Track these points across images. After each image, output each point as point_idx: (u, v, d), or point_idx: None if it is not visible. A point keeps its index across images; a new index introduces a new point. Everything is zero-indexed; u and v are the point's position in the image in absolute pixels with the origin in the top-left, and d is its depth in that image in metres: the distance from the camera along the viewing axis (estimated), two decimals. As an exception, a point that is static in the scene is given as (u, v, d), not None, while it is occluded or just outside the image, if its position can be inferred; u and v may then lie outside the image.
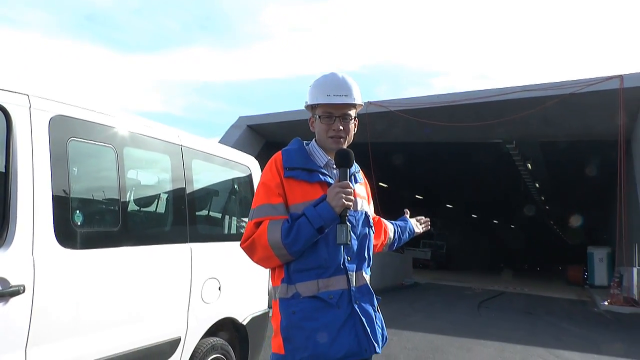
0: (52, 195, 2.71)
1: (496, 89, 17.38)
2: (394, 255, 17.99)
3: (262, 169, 2.55)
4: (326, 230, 2.22)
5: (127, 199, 3.43)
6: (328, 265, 2.27)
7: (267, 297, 4.83)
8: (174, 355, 3.54)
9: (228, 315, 4.20)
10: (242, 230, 4.73)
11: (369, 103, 17.22)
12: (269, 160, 2.40)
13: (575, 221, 32.33)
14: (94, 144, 3.13)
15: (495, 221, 57.30)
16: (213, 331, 4.03)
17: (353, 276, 2.31)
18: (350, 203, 2.21)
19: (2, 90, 2.59)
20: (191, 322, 3.72)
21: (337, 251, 2.28)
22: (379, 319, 2.41)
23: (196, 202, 4.03)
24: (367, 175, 2.73)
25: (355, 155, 2.35)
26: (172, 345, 3.53)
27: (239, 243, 4.50)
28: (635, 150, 17.31)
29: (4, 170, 2.56)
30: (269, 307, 4.85)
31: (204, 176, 4.32)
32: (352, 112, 2.42)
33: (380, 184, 25.76)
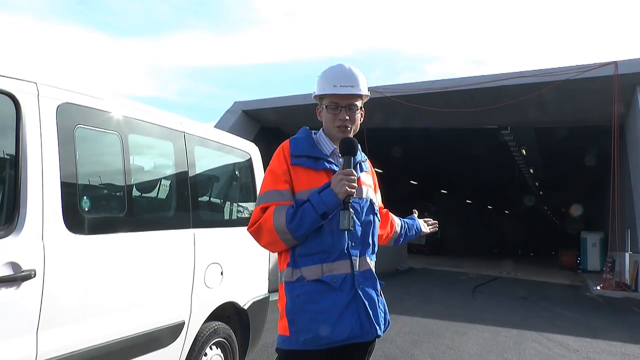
0: (61, 182, 2.75)
1: (491, 75, 17.44)
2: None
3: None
4: (330, 216, 2.28)
5: (133, 186, 3.47)
6: (332, 250, 2.33)
7: (267, 282, 4.91)
8: (178, 339, 3.61)
9: (230, 299, 4.27)
10: (242, 216, 4.80)
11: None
12: (277, 148, 2.46)
13: (573, 210, 32.46)
14: (100, 131, 3.17)
15: (489, 207, 57.52)
16: (215, 315, 4.09)
17: (357, 261, 2.38)
18: (354, 190, 2.26)
19: (11, 78, 2.62)
20: (194, 307, 3.78)
21: (341, 237, 2.34)
22: (381, 303, 2.48)
23: (198, 188, 4.08)
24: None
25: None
26: (176, 329, 3.60)
27: (239, 228, 4.60)
28: (628, 136, 17.42)
29: (14, 157, 2.60)
30: (269, 291, 4.94)
31: (205, 162, 4.38)
32: (359, 103, 2.49)
33: (375, 169, 25.69)
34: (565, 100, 16.98)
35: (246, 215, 4.85)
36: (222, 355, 4.22)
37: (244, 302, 4.47)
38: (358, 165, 2.47)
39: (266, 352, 6.15)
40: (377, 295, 2.45)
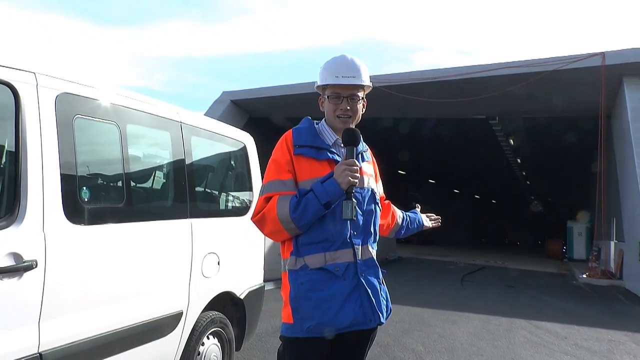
0: (60, 172, 2.75)
1: (480, 65, 17.47)
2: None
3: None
4: (333, 206, 2.31)
5: (131, 176, 3.47)
6: (334, 239, 2.37)
7: (263, 271, 4.95)
8: (176, 329, 3.62)
9: (226, 289, 4.29)
10: (238, 205, 4.82)
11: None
12: (280, 138, 2.49)
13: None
14: (98, 121, 3.17)
15: (477, 197, 57.85)
16: (212, 305, 4.11)
17: (359, 250, 2.41)
18: (356, 180, 2.29)
19: (10, 68, 2.61)
20: (192, 296, 3.80)
21: (343, 226, 2.37)
22: (383, 291, 2.52)
23: (195, 178, 4.08)
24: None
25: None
26: (175, 318, 3.61)
27: (235, 218, 4.62)
28: (615, 127, 17.59)
29: (13, 148, 2.59)
30: (265, 281, 4.98)
31: (202, 152, 4.38)
32: (360, 93, 2.51)
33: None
34: (553, 90, 17.07)
35: (241, 205, 4.87)
36: (218, 344, 4.24)
37: (240, 291, 4.50)
38: (360, 155, 2.50)
39: (260, 341, 6.20)
40: (379, 283, 2.49)
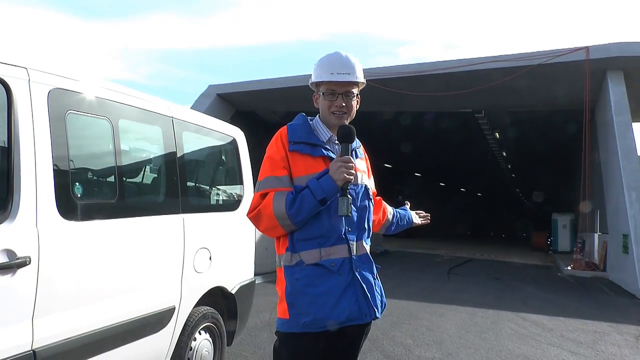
0: (53, 168, 2.73)
1: (466, 59, 17.55)
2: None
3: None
4: (328, 202, 2.33)
5: (123, 171, 3.45)
6: (330, 235, 2.38)
7: (254, 266, 4.96)
8: (169, 324, 3.62)
9: (218, 284, 4.29)
10: (229, 200, 4.82)
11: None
12: (275, 135, 2.49)
13: (540, 193, 32.88)
14: (91, 116, 3.14)
15: (462, 190, 58.17)
16: (204, 300, 4.12)
17: (354, 245, 2.44)
18: (351, 177, 2.32)
19: (1, 63, 2.58)
20: (184, 292, 3.80)
21: (338, 222, 2.40)
22: (378, 286, 2.55)
23: (187, 173, 4.07)
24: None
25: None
26: (168, 314, 3.61)
27: (226, 213, 4.63)
28: (598, 120, 17.76)
29: (6, 144, 2.57)
30: (255, 275, 4.99)
31: (193, 147, 4.36)
32: (355, 90, 2.53)
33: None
34: (538, 84, 17.21)
35: (232, 200, 4.87)
36: (210, 339, 4.25)
37: (231, 286, 4.50)
38: (353, 151, 2.50)
39: (250, 335, 6.21)
40: (374, 278, 2.52)
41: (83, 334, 2.88)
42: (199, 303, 4.05)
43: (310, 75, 2.58)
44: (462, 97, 18.37)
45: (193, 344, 4.00)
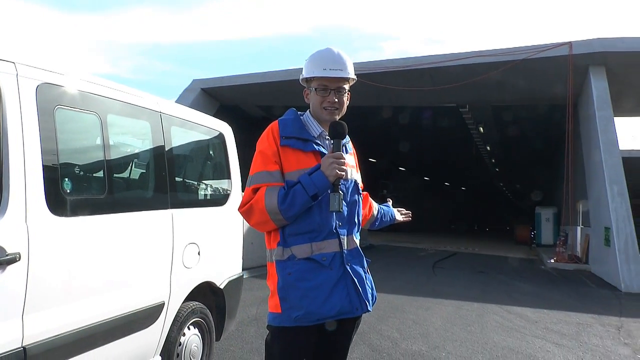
0: (42, 164, 2.71)
1: (450, 54, 17.63)
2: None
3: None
4: (320, 198, 2.35)
5: (112, 167, 3.44)
6: (321, 230, 2.41)
7: (243, 261, 4.97)
8: (158, 320, 3.62)
9: (206, 279, 4.29)
10: (217, 195, 4.82)
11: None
12: (266, 129, 2.50)
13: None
14: (79, 111, 3.12)
15: (446, 183, 58.49)
16: (193, 295, 4.12)
17: (344, 240, 2.46)
18: (343, 173, 2.34)
19: (-11, 57, 2.57)
20: (174, 287, 3.79)
21: (329, 216, 2.42)
22: (368, 279, 2.57)
23: (175, 169, 4.06)
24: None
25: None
26: (157, 309, 3.61)
27: (214, 208, 4.62)
28: (581, 114, 17.94)
29: (-5, 139, 2.56)
30: (246, 270, 4.99)
31: (181, 142, 4.35)
32: (346, 86, 2.55)
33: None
34: (522, 79, 17.33)
35: (221, 195, 4.87)
36: (199, 334, 4.25)
37: (220, 281, 4.51)
38: (343, 147, 2.52)
39: (237, 330, 6.23)
40: (365, 272, 2.55)
41: (73, 330, 2.87)
42: (188, 298, 4.05)
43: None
44: (447, 91, 18.48)
45: (182, 339, 4.00)
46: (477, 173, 46.09)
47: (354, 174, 2.63)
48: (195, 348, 4.17)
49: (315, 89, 2.51)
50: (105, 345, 3.12)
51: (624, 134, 46.70)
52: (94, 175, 3.39)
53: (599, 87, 15.63)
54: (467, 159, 37.12)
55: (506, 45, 18.72)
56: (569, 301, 10.39)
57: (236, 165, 4.93)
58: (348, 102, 2.59)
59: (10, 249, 2.51)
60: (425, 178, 52.17)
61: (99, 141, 3.23)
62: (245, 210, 2.42)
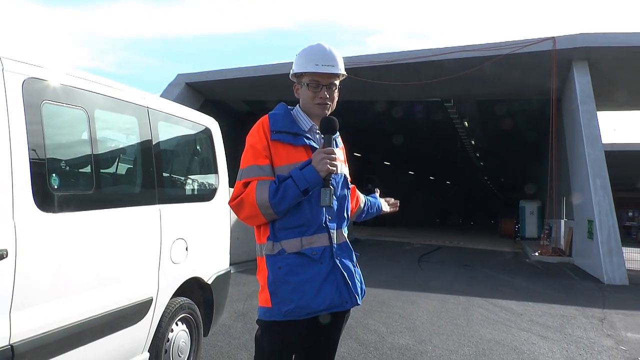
0: (30, 160, 2.68)
1: (435, 48, 17.68)
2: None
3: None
4: (310, 192, 2.37)
5: (100, 162, 3.41)
6: (311, 224, 2.42)
7: (229, 256, 4.96)
8: (146, 316, 3.60)
9: (194, 275, 4.27)
10: (204, 191, 4.81)
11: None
12: (256, 123, 2.51)
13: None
14: (67, 106, 3.09)
15: (431, 177, 58.73)
16: (180, 291, 4.10)
17: (334, 234, 2.48)
18: (334, 168, 2.36)
19: (-26, 52, 2.54)
20: (162, 283, 3.78)
21: (319, 211, 2.43)
22: (358, 273, 2.59)
23: (163, 164, 4.03)
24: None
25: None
26: (145, 305, 3.59)
27: (202, 203, 4.61)
28: (564, 109, 18.11)
29: (-20, 135, 2.53)
30: (232, 265, 4.99)
31: (168, 137, 4.33)
32: (337, 82, 2.57)
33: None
34: (506, 73, 17.44)
35: (208, 190, 4.85)
36: (187, 330, 4.24)
37: (208, 277, 4.49)
38: (333, 141, 2.54)
39: (224, 325, 6.22)
40: (354, 266, 2.57)
41: (62, 327, 2.84)
42: (176, 294, 4.04)
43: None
44: (432, 86, 18.55)
45: (170, 335, 3.99)
46: (462, 167, 46.34)
47: (344, 168, 2.65)
48: (183, 344, 4.16)
49: (307, 85, 2.52)
50: (94, 342, 3.10)
51: (605, 127, 47.27)
52: (82, 170, 3.36)
53: (582, 81, 15.76)
54: (452, 154, 37.31)
55: (490, 40, 18.84)
56: (553, 294, 10.50)
57: (223, 160, 4.91)
58: (338, 97, 2.60)
59: (-3, 246, 2.48)
60: (410, 172, 52.35)
61: (86, 136, 3.20)
62: (236, 204, 2.42)
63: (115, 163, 3.83)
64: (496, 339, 6.41)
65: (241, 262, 10.88)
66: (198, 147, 5.01)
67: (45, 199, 2.77)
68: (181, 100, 20.04)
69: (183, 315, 4.16)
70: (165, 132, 4.15)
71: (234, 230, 5.91)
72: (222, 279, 4.76)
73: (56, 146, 3.05)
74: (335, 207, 2.51)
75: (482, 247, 23.42)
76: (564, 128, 18.03)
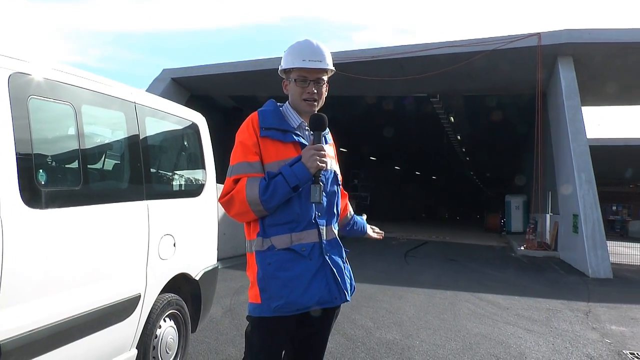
0: (16, 155, 2.65)
1: (421, 44, 17.72)
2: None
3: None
4: (300, 189, 2.37)
5: (87, 158, 3.38)
6: (300, 220, 2.42)
7: (217, 252, 4.95)
8: (134, 312, 3.58)
9: (182, 271, 4.26)
10: (191, 186, 4.79)
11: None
12: (246, 120, 2.51)
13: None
14: (53, 101, 3.06)
15: (417, 173, 58.93)
16: (168, 287, 4.09)
17: (323, 230, 2.48)
18: (324, 165, 2.36)
19: (-41, 47, 2.51)
20: (150, 279, 3.76)
21: (309, 207, 2.44)
22: (347, 269, 2.60)
23: (150, 160, 4.01)
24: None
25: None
26: (133, 302, 3.57)
27: (189, 199, 4.59)
28: (550, 104, 18.23)
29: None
30: (219, 261, 4.98)
31: (155, 133, 4.30)
32: (325, 77, 2.57)
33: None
34: (492, 69, 17.54)
35: (195, 186, 4.83)
36: (175, 326, 4.22)
37: (195, 273, 4.48)
38: (323, 138, 2.55)
39: (211, 321, 6.21)
40: (343, 262, 2.57)
41: (49, 324, 2.82)
42: (164, 290, 4.02)
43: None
44: (418, 81, 18.59)
45: (158, 331, 3.97)
46: (448, 162, 46.52)
47: (334, 164, 2.65)
48: (171, 340, 4.15)
49: (295, 80, 2.52)
50: (82, 339, 3.08)
51: (590, 122, 47.70)
52: (69, 166, 3.33)
53: (567, 77, 15.89)
54: (439, 149, 37.42)
55: (476, 36, 18.92)
56: (538, 288, 10.61)
57: (210, 156, 4.89)
58: (326, 93, 2.60)
59: (-17, 243, 2.46)
60: (396, 167, 52.49)
61: (73, 132, 3.17)
62: (226, 200, 2.42)
63: (103, 159, 3.79)
64: (483, 333, 6.45)
65: (228, 257, 10.86)
66: (185, 143, 4.99)
67: (32, 195, 2.74)
68: (167, 95, 19.92)
69: (171, 311, 4.14)
70: (153, 128, 4.12)
71: (221, 226, 5.89)
72: (210, 274, 4.75)
73: (43, 142, 3.02)
74: (325, 203, 2.51)
75: (468, 241, 23.54)
76: (550, 123, 18.16)
